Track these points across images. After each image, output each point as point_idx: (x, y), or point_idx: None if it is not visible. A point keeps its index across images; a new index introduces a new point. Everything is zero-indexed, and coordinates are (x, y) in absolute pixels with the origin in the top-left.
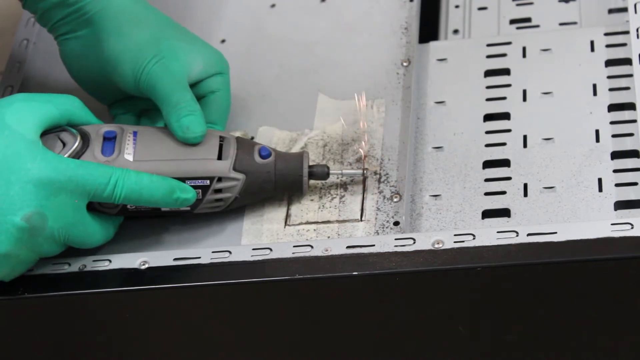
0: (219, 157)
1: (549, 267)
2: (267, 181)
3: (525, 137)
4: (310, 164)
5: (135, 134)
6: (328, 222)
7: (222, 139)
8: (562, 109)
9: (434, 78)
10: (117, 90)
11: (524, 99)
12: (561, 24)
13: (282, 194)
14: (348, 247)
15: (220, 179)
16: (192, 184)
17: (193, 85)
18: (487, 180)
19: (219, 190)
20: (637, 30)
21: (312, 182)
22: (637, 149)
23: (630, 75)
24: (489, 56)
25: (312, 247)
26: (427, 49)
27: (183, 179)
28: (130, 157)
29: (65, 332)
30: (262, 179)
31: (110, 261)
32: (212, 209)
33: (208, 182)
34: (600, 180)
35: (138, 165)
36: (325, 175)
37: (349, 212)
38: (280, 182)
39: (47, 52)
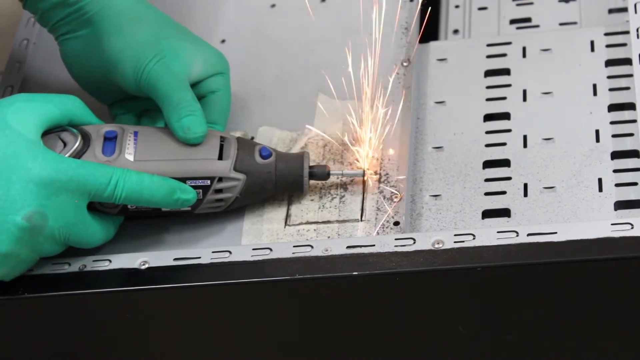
0: (220, 157)
1: (549, 267)
2: (267, 181)
3: (525, 137)
4: (311, 164)
5: (136, 133)
6: (328, 222)
7: (222, 139)
8: (562, 109)
9: (434, 78)
10: (117, 90)
11: (524, 99)
12: (561, 24)
13: (282, 194)
14: (348, 247)
15: (220, 179)
16: (193, 184)
17: (193, 85)
18: (487, 180)
19: (219, 191)
20: (637, 30)
21: (312, 182)
22: (637, 149)
23: (630, 75)
24: (489, 56)
25: (312, 247)
26: (427, 49)
27: (184, 179)
28: (131, 157)
29: (65, 332)
30: (262, 179)
31: (110, 261)
32: (212, 209)
33: (209, 182)
34: (600, 180)
35: (139, 165)
36: (326, 175)
37: (349, 212)
38: (281, 182)
39: (47, 52)
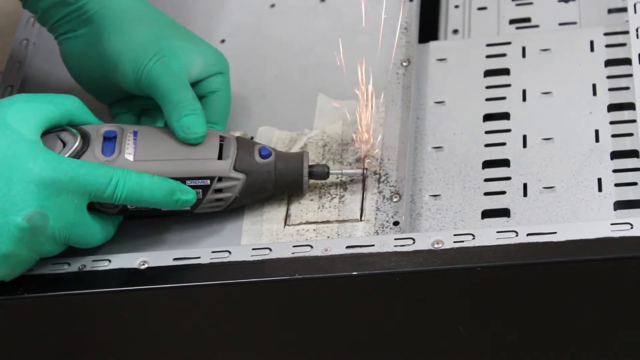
0: (220, 157)
1: (549, 267)
2: (267, 181)
3: (525, 137)
4: (310, 163)
5: (135, 133)
6: (328, 222)
7: (222, 138)
8: (561, 109)
9: (433, 78)
10: (117, 89)
11: (524, 99)
12: (561, 24)
13: (282, 194)
14: (348, 247)
15: (220, 179)
16: (193, 184)
17: (193, 85)
18: (486, 180)
19: (219, 190)
20: (637, 30)
21: (312, 181)
22: (636, 148)
23: (630, 75)
24: (488, 56)
25: (311, 247)
26: (427, 49)
27: (183, 179)
28: (130, 157)
29: (65, 332)
30: (262, 178)
31: (110, 261)
32: (212, 209)
33: (208, 182)
34: (599, 180)
35: (139, 165)
36: (326, 175)
37: (348, 212)
38: (281, 181)
39: (47, 52)
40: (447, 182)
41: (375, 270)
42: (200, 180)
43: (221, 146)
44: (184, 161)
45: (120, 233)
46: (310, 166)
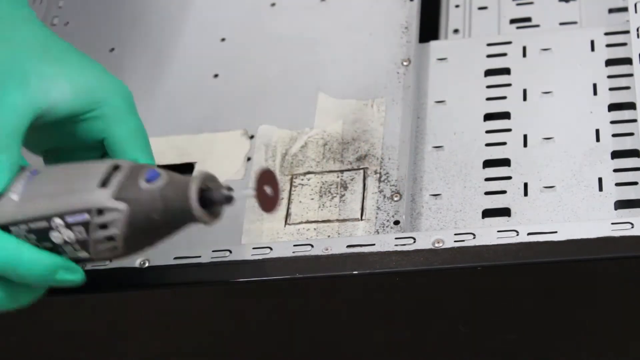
0: (103, 185)
1: (549, 267)
2: (153, 211)
3: (525, 137)
4: (213, 185)
5: (34, 172)
6: (328, 221)
7: (116, 167)
8: (562, 108)
9: (434, 77)
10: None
11: (524, 99)
12: (561, 24)
13: (177, 229)
14: (348, 246)
15: (101, 212)
16: (72, 221)
17: (73, 128)
18: (487, 179)
19: (103, 226)
20: (637, 29)
21: (310, 181)
22: (637, 148)
23: (631, 75)
24: (489, 56)
25: (312, 246)
26: (427, 49)
27: (62, 215)
28: (15, 196)
29: (64, 332)
30: (148, 207)
31: (110, 260)
32: (109, 254)
33: (86, 216)
34: (600, 179)
35: (19, 206)
36: (224, 199)
37: (349, 211)
38: (169, 212)
39: None
40: (447, 182)
41: (376, 270)
42: (78, 215)
43: (109, 174)
44: (62, 194)
45: None
46: (203, 190)
